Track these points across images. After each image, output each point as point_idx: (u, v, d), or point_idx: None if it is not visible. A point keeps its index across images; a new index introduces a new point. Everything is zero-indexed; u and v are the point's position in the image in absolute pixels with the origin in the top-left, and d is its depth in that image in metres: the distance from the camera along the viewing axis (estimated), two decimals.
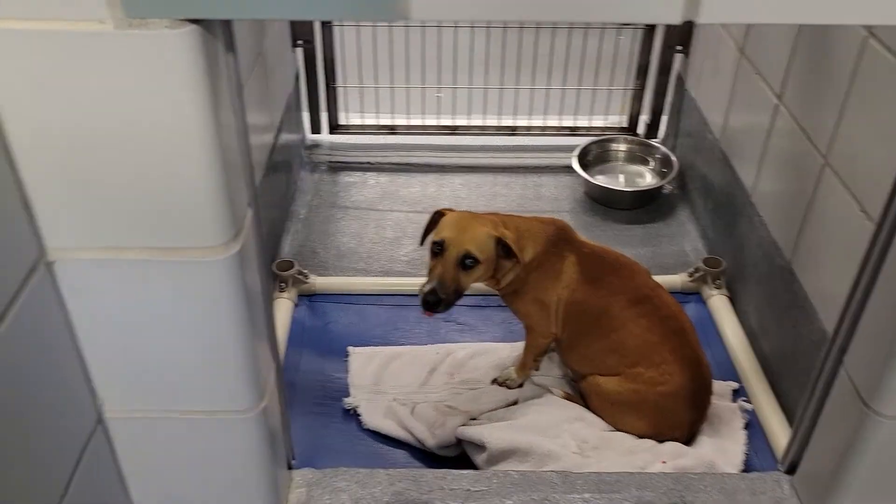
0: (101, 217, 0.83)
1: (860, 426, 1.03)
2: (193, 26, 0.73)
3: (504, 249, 1.46)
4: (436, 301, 1.42)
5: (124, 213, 0.83)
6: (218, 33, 0.78)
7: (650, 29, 2.36)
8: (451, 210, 1.54)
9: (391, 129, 2.50)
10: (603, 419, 1.55)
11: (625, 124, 2.53)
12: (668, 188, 2.34)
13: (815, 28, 1.49)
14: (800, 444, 1.20)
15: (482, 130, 2.50)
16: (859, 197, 1.34)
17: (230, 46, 0.81)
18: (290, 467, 1.25)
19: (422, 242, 1.59)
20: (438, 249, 1.46)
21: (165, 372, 0.96)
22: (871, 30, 1.28)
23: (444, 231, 1.46)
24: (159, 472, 1.07)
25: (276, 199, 2.07)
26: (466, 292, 1.47)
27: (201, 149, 0.77)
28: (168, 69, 0.74)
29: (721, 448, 1.50)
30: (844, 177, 1.40)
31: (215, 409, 1.00)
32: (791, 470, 1.25)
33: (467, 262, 1.43)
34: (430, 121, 2.50)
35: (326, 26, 2.29)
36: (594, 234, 2.16)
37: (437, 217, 1.53)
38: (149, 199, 0.82)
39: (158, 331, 0.92)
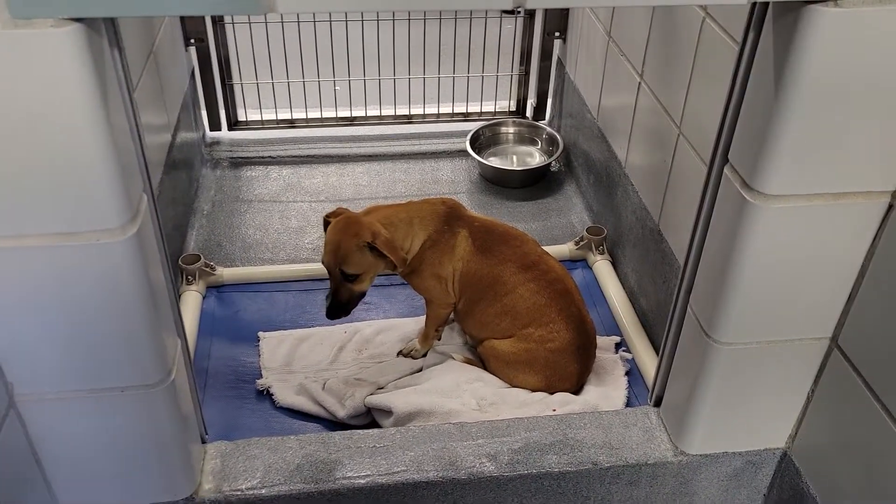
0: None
1: (704, 354, 1.19)
2: (77, 24, 0.80)
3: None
4: (335, 313, 1.61)
5: (23, 203, 0.89)
6: (102, 31, 0.85)
7: (530, 16, 2.51)
8: (335, 215, 1.60)
9: (290, 123, 2.56)
10: (500, 378, 1.68)
11: (513, 108, 2.67)
12: (555, 166, 2.50)
13: (665, 10, 1.66)
14: (662, 378, 1.36)
15: (380, 120, 2.59)
16: (706, 159, 1.51)
17: (115, 42, 0.88)
18: (203, 441, 1.32)
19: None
20: (326, 269, 1.59)
21: (74, 352, 1.02)
22: (707, 10, 1.44)
23: (324, 251, 1.57)
24: (75, 451, 1.13)
25: (179, 196, 2.11)
26: (367, 287, 1.61)
27: (92, 139, 0.85)
28: (55, 65, 0.80)
29: (605, 395, 1.66)
30: (695, 144, 1.56)
31: (125, 385, 1.07)
32: (657, 403, 1.41)
33: (350, 277, 1.56)
34: (329, 113, 2.57)
35: (218, 24, 2.34)
36: (490, 211, 2.30)
37: (326, 224, 1.61)
38: (47, 189, 0.88)
39: (65, 312, 0.98)
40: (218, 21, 2.33)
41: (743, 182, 1.04)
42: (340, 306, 1.59)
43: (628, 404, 1.64)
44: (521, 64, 2.60)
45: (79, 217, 0.91)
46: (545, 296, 1.63)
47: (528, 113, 2.67)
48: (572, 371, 1.64)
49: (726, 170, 1.09)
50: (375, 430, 1.36)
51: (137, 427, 1.12)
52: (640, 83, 1.84)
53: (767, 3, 0.94)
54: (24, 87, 0.81)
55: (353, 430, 1.36)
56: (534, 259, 1.67)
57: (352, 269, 1.55)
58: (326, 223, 1.62)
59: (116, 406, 1.08)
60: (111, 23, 0.87)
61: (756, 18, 0.97)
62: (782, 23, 0.92)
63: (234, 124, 2.53)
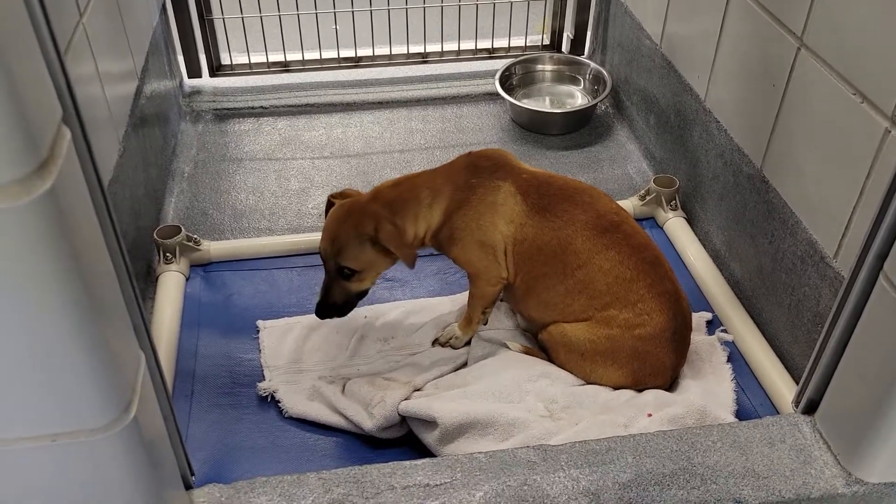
0: None
1: None
2: None
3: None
4: (327, 312, 1.35)
5: None
6: None
7: None
8: (342, 195, 1.37)
9: (284, 67, 2.20)
10: (571, 372, 1.31)
11: (546, 42, 2.27)
12: (601, 107, 2.10)
13: None
14: (822, 377, 0.99)
15: (390, 60, 2.23)
16: (850, 78, 1.13)
17: None
18: (188, 486, 0.95)
19: None
20: (321, 259, 1.33)
21: None
22: None
23: (322, 238, 1.32)
24: None
25: (151, 156, 1.72)
26: (368, 287, 1.36)
27: None
28: None
29: (708, 390, 1.30)
30: (828, 57, 1.18)
31: (55, 432, 0.69)
32: (810, 409, 1.03)
33: (346, 273, 1.31)
34: (330, 53, 2.20)
35: None
36: (527, 163, 1.91)
37: (329, 205, 1.37)
38: None
39: None
40: None
41: None
42: (333, 307, 1.34)
43: (738, 401, 1.28)
44: None
45: None
46: (630, 267, 1.26)
47: (565, 47, 2.26)
48: (666, 363, 1.27)
49: None
50: (426, 461, 0.99)
51: (81, 487, 0.74)
52: None
53: None
54: None
55: (395, 463, 0.98)
56: (612, 219, 1.29)
57: (350, 263, 1.30)
58: (330, 205, 1.36)
59: (43, 461, 0.70)
60: None
61: None
62: None
63: (216, 69, 2.18)
